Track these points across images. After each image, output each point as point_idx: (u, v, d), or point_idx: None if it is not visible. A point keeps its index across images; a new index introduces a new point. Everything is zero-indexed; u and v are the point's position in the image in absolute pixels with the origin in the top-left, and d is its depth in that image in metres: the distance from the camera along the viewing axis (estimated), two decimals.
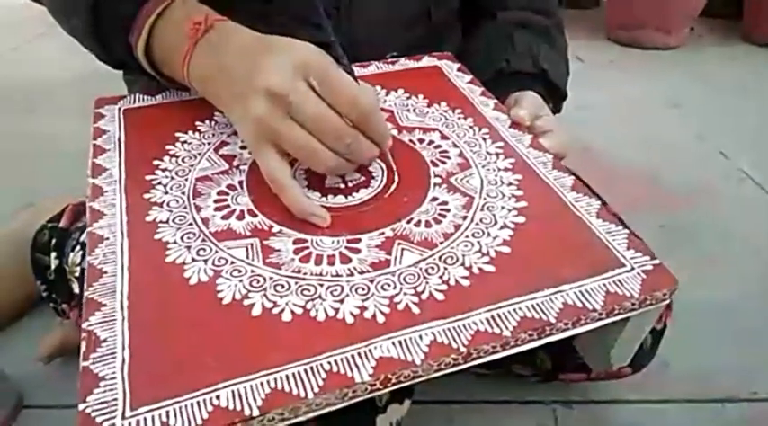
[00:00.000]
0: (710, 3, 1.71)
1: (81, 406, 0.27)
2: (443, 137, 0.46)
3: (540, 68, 0.58)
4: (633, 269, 0.35)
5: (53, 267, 0.55)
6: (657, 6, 1.63)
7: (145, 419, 0.26)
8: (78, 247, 0.52)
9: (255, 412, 0.27)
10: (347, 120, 0.36)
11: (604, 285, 0.33)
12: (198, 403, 0.27)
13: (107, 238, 0.35)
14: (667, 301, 0.35)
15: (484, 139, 0.46)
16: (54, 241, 0.56)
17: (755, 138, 1.15)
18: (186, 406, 0.27)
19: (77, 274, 0.50)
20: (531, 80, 0.58)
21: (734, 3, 1.84)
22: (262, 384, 0.28)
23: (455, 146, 0.45)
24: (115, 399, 0.27)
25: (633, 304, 0.33)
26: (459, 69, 0.56)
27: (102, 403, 0.27)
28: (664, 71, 1.54)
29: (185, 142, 0.44)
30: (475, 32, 0.66)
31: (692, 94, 1.37)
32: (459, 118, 0.49)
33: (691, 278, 0.71)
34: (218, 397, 0.27)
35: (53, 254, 0.55)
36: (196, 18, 0.41)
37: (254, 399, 0.27)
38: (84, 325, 0.30)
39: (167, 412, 0.26)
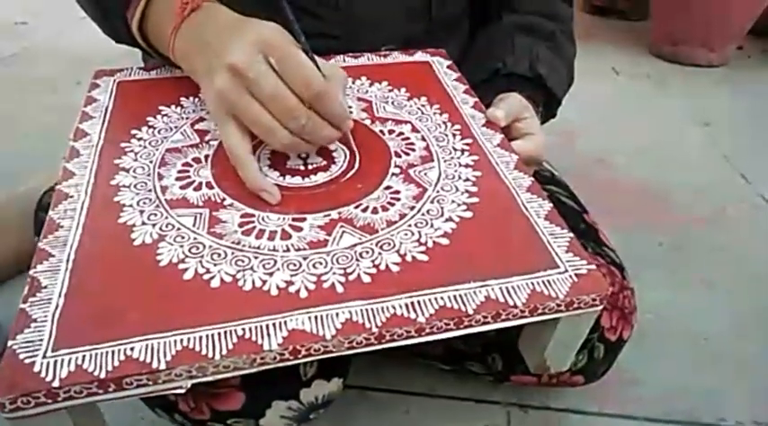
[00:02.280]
0: (762, 20, 1.63)
1: (10, 343, 0.29)
2: (414, 130, 0.47)
3: (535, 72, 0.58)
4: (567, 271, 0.35)
5: None
6: (702, 22, 1.57)
7: (63, 360, 0.28)
8: None
9: (162, 366, 0.28)
10: (303, 100, 0.37)
11: (532, 283, 0.34)
12: (113, 352, 0.29)
13: (71, 196, 0.38)
14: (599, 308, 0.34)
15: (453, 135, 0.47)
16: None
17: None
18: (101, 354, 0.29)
19: None
20: (525, 83, 0.58)
21: None
22: (175, 341, 0.29)
23: (423, 139, 0.46)
24: (41, 340, 0.29)
25: (558, 305, 0.33)
26: (448, 67, 0.56)
27: (28, 342, 0.29)
28: (701, 88, 1.49)
29: (166, 115, 0.46)
30: (481, 33, 0.66)
31: (724, 114, 1.32)
32: (435, 113, 0.49)
33: (677, 297, 0.70)
34: (132, 349, 0.29)
35: None
36: None
37: (164, 354, 0.29)
38: (30, 272, 0.33)
39: (84, 356, 0.28)
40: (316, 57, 0.39)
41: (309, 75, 0.37)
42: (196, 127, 0.46)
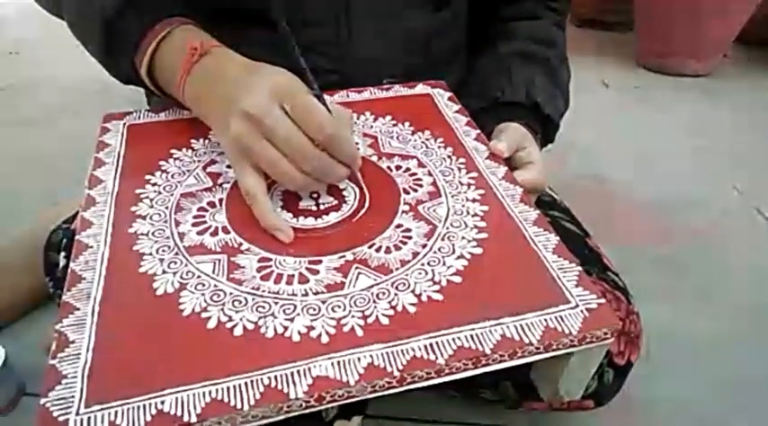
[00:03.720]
0: (749, 28, 1.67)
1: (42, 401, 0.30)
2: (420, 164, 0.48)
3: (533, 100, 0.59)
4: (578, 306, 0.36)
5: (61, 265, 0.59)
6: (689, 32, 1.61)
7: (96, 417, 0.29)
8: None
9: (194, 419, 0.29)
10: (316, 144, 0.39)
11: (545, 320, 0.35)
12: (144, 406, 0.29)
13: (91, 246, 0.39)
14: (610, 340, 0.36)
15: (459, 169, 0.48)
16: (65, 241, 0.60)
17: None
18: (133, 409, 0.29)
19: None
20: (524, 110, 0.59)
21: None
22: (203, 393, 0.30)
23: (430, 174, 0.47)
24: (73, 396, 0.30)
25: (572, 340, 0.34)
26: (449, 98, 0.58)
27: (60, 399, 0.30)
28: (690, 99, 1.52)
29: (178, 159, 0.47)
30: (477, 61, 0.67)
31: (716, 125, 1.35)
32: (439, 147, 0.51)
33: (677, 312, 0.71)
34: (162, 402, 0.30)
35: (62, 254, 0.60)
36: (193, 43, 0.45)
37: (194, 407, 0.29)
38: (57, 326, 0.33)
39: (116, 412, 0.29)
40: (325, 99, 0.41)
41: (323, 121, 0.39)
42: (208, 170, 0.47)
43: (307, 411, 0.31)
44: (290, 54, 0.41)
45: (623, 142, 1.25)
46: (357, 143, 0.50)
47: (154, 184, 0.45)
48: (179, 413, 0.29)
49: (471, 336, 0.34)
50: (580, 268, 0.39)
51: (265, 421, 0.31)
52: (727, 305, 0.77)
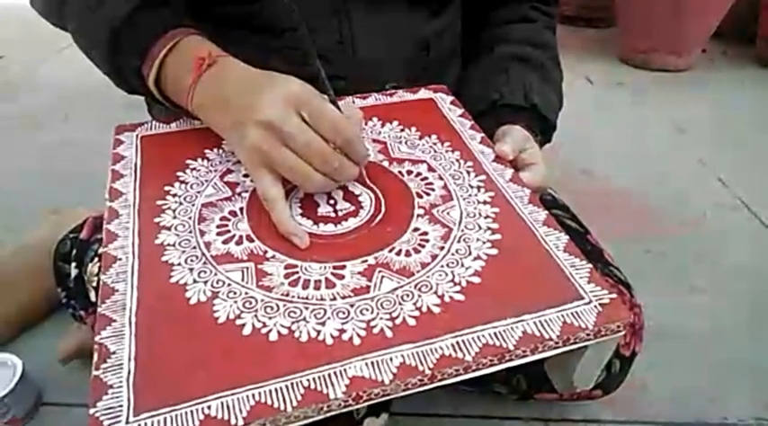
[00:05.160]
0: (724, 23, 1.72)
1: (91, 411, 0.31)
2: (430, 169, 0.50)
3: (530, 102, 0.61)
4: (591, 302, 0.38)
5: (72, 276, 0.60)
6: (668, 28, 1.65)
7: (146, 424, 0.30)
8: (97, 259, 0.56)
9: (240, 422, 0.30)
10: (332, 145, 0.41)
11: (562, 316, 0.37)
12: (191, 411, 0.31)
13: (120, 259, 0.40)
14: (622, 333, 0.38)
15: (468, 172, 0.50)
16: (74, 251, 0.61)
17: (756, 166, 1.17)
18: (182, 415, 0.31)
19: (95, 284, 0.55)
20: (522, 112, 0.61)
21: (747, 24, 1.84)
22: (247, 397, 0.32)
23: (440, 178, 0.49)
24: (120, 405, 0.31)
25: (588, 334, 0.36)
26: (452, 102, 0.59)
27: (109, 408, 0.31)
28: (672, 94, 1.56)
29: (194, 169, 0.49)
30: (474, 64, 0.69)
31: (698, 118, 1.39)
32: (447, 150, 0.52)
33: (670, 303, 0.74)
34: (208, 407, 0.31)
35: (73, 264, 0.60)
36: (200, 53, 0.46)
37: (240, 410, 0.31)
38: (96, 338, 0.34)
39: (165, 419, 0.30)
40: (336, 101, 0.43)
41: (339, 125, 0.41)
42: (225, 179, 0.48)
43: (345, 409, 0.33)
44: (306, 59, 0.43)
45: (609, 137, 1.28)
46: (367, 148, 0.51)
47: (174, 195, 0.46)
48: (226, 417, 0.31)
49: (495, 334, 0.36)
50: (590, 265, 0.41)
51: (306, 421, 0.32)
52: (716, 294, 0.81)
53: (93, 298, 0.56)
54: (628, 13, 1.76)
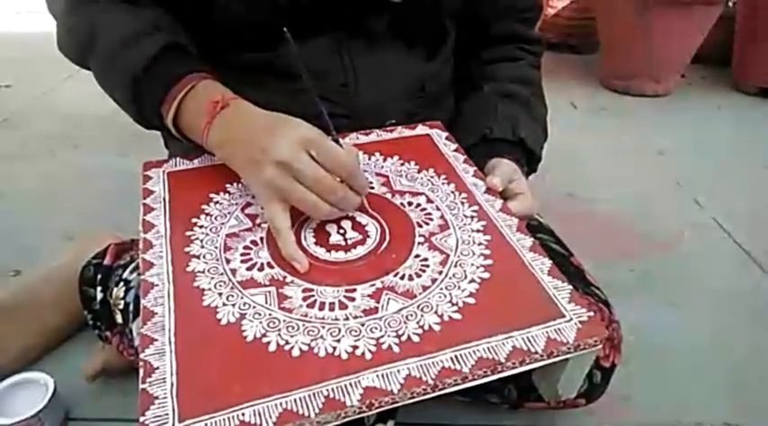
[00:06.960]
0: (702, 49, 1.80)
1: (141, 419, 0.36)
2: (429, 200, 0.56)
3: (518, 136, 0.67)
4: (572, 319, 0.43)
5: (98, 299, 0.65)
6: (647, 55, 1.74)
7: None
8: (122, 283, 0.61)
9: None
10: (337, 179, 0.48)
11: (546, 332, 0.42)
12: (228, 418, 0.36)
13: (156, 285, 0.45)
14: (599, 347, 0.43)
15: (462, 203, 0.55)
16: (99, 276, 0.66)
17: (731, 188, 1.24)
18: (220, 421, 0.36)
19: (121, 307, 0.60)
20: (510, 146, 0.67)
21: (725, 50, 1.92)
22: (276, 405, 0.37)
23: (438, 209, 0.55)
24: (167, 414, 0.36)
25: (569, 348, 0.42)
26: (446, 138, 0.65)
27: (157, 416, 0.36)
28: (652, 118, 1.64)
29: (217, 202, 0.54)
30: (465, 101, 0.75)
31: (677, 142, 1.47)
32: (443, 183, 0.58)
33: (651, 319, 0.79)
34: (243, 414, 0.36)
35: (98, 288, 0.65)
36: (214, 97, 0.52)
37: (270, 416, 0.36)
38: (141, 356, 0.39)
39: (206, 424, 0.35)
40: (338, 139, 0.50)
41: (343, 161, 0.48)
42: (246, 211, 0.53)
43: (359, 415, 0.38)
44: (310, 102, 0.49)
45: (592, 161, 1.35)
46: (371, 181, 0.57)
47: (201, 227, 0.51)
48: (258, 422, 0.36)
49: (488, 348, 0.41)
50: (571, 287, 0.46)
51: None
52: (692, 309, 0.87)
53: (118, 320, 0.61)
54: (608, 40, 1.85)
